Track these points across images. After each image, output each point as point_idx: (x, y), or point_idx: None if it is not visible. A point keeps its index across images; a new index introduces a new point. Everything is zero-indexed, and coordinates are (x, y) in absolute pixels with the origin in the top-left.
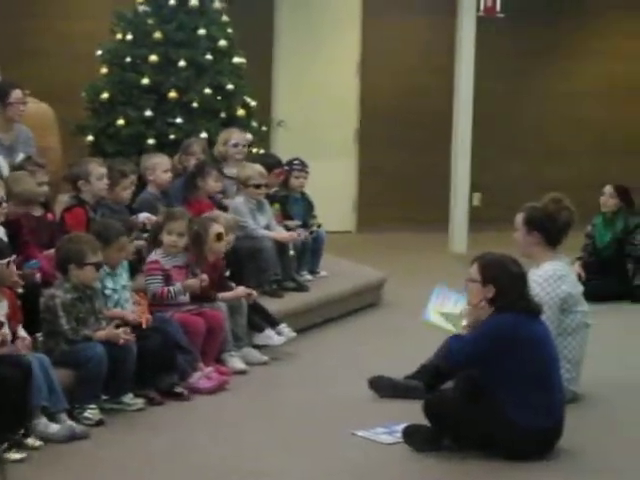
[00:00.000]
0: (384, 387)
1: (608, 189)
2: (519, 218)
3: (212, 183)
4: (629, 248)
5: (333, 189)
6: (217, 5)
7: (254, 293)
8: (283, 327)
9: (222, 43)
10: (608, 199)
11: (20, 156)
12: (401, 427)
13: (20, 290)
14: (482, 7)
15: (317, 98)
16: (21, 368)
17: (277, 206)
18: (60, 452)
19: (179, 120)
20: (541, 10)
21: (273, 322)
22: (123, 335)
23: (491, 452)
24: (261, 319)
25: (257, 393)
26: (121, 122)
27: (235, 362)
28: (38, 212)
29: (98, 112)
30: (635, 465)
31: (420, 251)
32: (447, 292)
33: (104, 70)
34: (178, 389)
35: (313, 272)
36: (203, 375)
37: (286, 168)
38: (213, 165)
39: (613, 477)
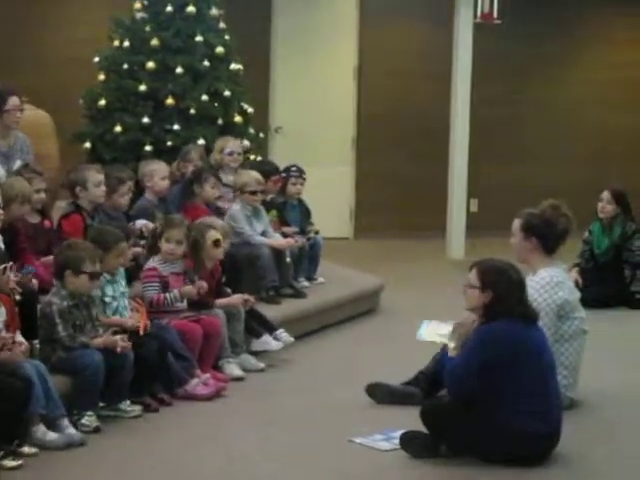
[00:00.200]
0: (381, 393)
1: (606, 195)
2: (516, 224)
3: (209, 190)
4: (626, 254)
5: (330, 196)
6: (214, 12)
7: (251, 299)
8: (281, 332)
9: (219, 50)
10: (605, 205)
11: (17, 163)
12: (398, 434)
13: (18, 297)
14: (479, 13)
15: (314, 105)
16: (21, 378)
17: (274, 213)
18: (57, 459)
19: (176, 127)
20: (538, 16)
21: (271, 328)
22: (120, 342)
23: (488, 458)
24: (258, 325)
25: (254, 400)
26: (118, 129)
27: (232, 369)
28: (35, 219)
29: (95, 119)
30: (632, 471)
31: (417, 257)
32: (434, 324)
33: (101, 77)
34: (160, 395)
35: (310, 279)
36: (200, 382)
37: (283, 175)
38: (210, 172)
39: None
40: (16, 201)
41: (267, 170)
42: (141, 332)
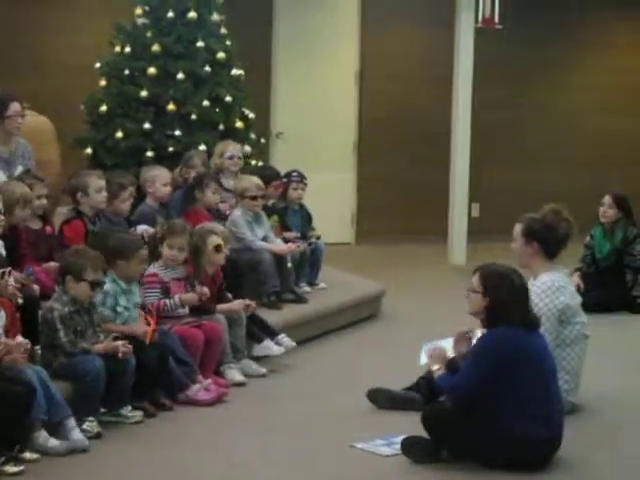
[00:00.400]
0: (383, 399)
1: (607, 199)
2: (517, 229)
3: (210, 195)
4: (628, 259)
5: (332, 201)
6: (215, 17)
7: (253, 304)
8: (282, 337)
9: (220, 55)
10: (607, 209)
11: (19, 169)
12: (400, 439)
13: (20, 301)
14: (480, 18)
15: (316, 110)
16: (23, 384)
17: (275, 218)
18: (58, 465)
19: (177, 132)
20: (539, 21)
21: (272, 333)
22: (122, 347)
23: (490, 463)
24: (260, 330)
25: (255, 405)
26: (120, 135)
27: (234, 374)
28: (37, 225)
29: (97, 125)
30: (634, 476)
31: (419, 263)
32: (434, 343)
33: (103, 83)
34: (162, 400)
35: (312, 284)
36: (201, 387)
37: (284, 180)
38: (212, 177)
39: None
40: (18, 205)
41: (268, 175)
42: (147, 341)
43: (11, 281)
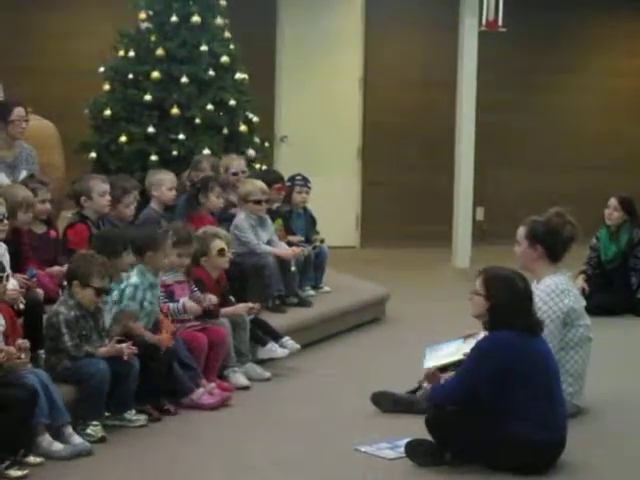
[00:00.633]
0: (387, 402)
1: (613, 202)
2: (521, 232)
3: (214, 199)
4: (633, 261)
5: (336, 204)
6: (219, 21)
7: (256, 306)
8: (287, 340)
9: (224, 59)
10: (612, 212)
11: (23, 174)
12: (404, 442)
13: (22, 306)
14: (484, 22)
15: (320, 113)
16: (25, 388)
17: (280, 222)
18: (62, 469)
19: (182, 136)
20: (542, 25)
21: (276, 336)
22: (126, 349)
23: (494, 466)
24: (264, 333)
25: (260, 409)
26: (124, 139)
27: (238, 378)
28: (41, 229)
29: (101, 129)
30: (638, 479)
31: (423, 266)
32: (437, 347)
33: (107, 87)
34: (166, 406)
35: (316, 287)
36: (206, 391)
37: (288, 184)
38: (217, 181)
39: None
40: (21, 209)
41: (271, 179)
42: (164, 348)
43: (12, 285)
